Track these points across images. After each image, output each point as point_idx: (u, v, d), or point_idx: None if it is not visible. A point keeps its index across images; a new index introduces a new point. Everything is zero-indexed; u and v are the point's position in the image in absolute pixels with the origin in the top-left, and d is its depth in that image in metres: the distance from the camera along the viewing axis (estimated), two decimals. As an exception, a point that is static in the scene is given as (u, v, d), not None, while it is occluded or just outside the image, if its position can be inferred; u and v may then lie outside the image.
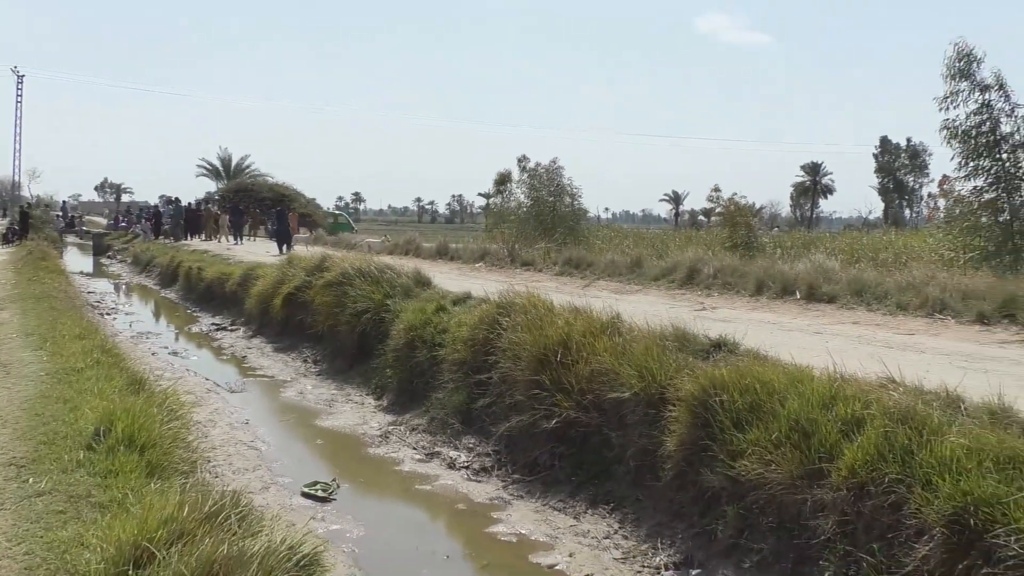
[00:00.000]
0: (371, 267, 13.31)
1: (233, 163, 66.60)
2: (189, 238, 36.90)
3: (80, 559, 3.98)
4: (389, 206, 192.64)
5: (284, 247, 27.90)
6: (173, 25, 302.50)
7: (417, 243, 28.69)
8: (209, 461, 7.77)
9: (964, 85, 15.60)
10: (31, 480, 5.13)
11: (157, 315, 21.56)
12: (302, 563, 3.86)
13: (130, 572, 3.64)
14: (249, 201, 43.86)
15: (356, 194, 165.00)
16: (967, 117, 15.65)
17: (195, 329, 18.06)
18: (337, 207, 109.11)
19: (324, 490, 7.47)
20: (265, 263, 19.78)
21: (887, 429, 5.00)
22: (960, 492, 4.35)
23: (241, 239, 36.33)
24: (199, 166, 67.87)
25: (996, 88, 15.48)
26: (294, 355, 14.01)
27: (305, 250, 20.92)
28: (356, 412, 10.42)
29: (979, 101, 15.52)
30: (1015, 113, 15.64)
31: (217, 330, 17.45)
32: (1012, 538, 4.02)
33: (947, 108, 15.80)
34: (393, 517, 7.32)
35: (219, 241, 35.63)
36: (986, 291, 10.53)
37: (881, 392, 5.56)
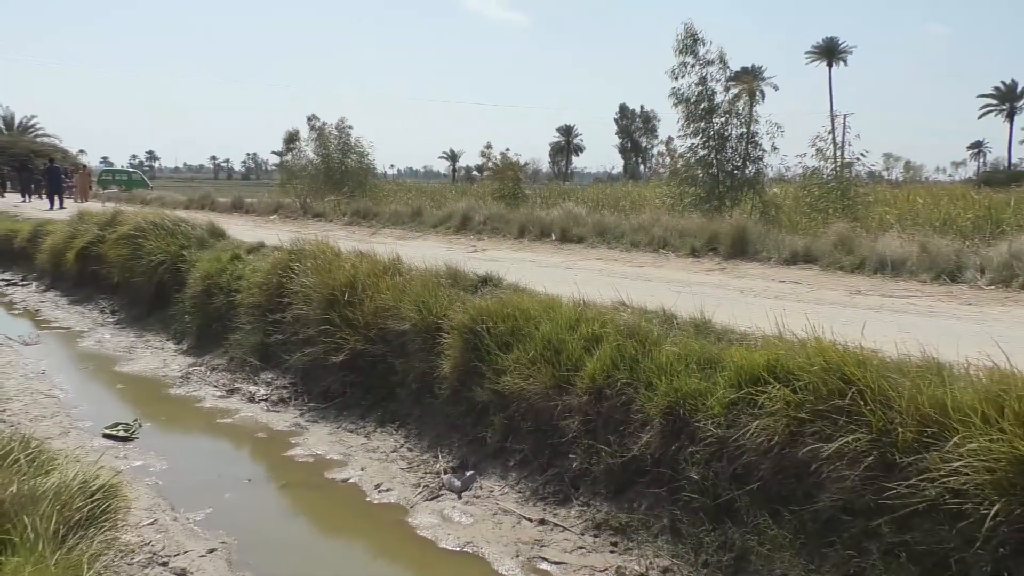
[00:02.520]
0: (166, 220, 12.39)
1: (16, 122, 58.45)
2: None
3: None
4: (185, 164, 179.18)
5: (57, 202, 26.18)
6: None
7: (212, 198, 27.11)
8: (3, 411, 7.03)
9: (690, 59, 16.55)
10: None
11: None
12: (96, 495, 3.59)
13: (-91, 522, 3.23)
14: (4, 158, 39.19)
15: (150, 152, 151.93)
16: (690, 87, 16.69)
17: (-19, 285, 15.99)
18: (131, 165, 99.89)
19: (126, 430, 6.97)
20: (55, 219, 17.82)
21: (619, 343, 5.39)
22: (673, 390, 4.81)
23: (29, 197, 32.39)
24: (-23, 124, 58.85)
25: (718, 62, 16.53)
26: (91, 306, 12.82)
27: (100, 206, 19.08)
28: (157, 356, 9.75)
29: (700, 74, 16.58)
30: (728, 87, 16.89)
31: (7, 285, 15.56)
32: (709, 421, 4.51)
33: (676, 78, 16.77)
34: (196, 449, 6.97)
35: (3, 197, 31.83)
36: (697, 230, 11.51)
37: (615, 314, 5.99)
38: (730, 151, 16.74)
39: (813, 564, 3.94)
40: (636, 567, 4.50)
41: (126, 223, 12.84)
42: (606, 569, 4.55)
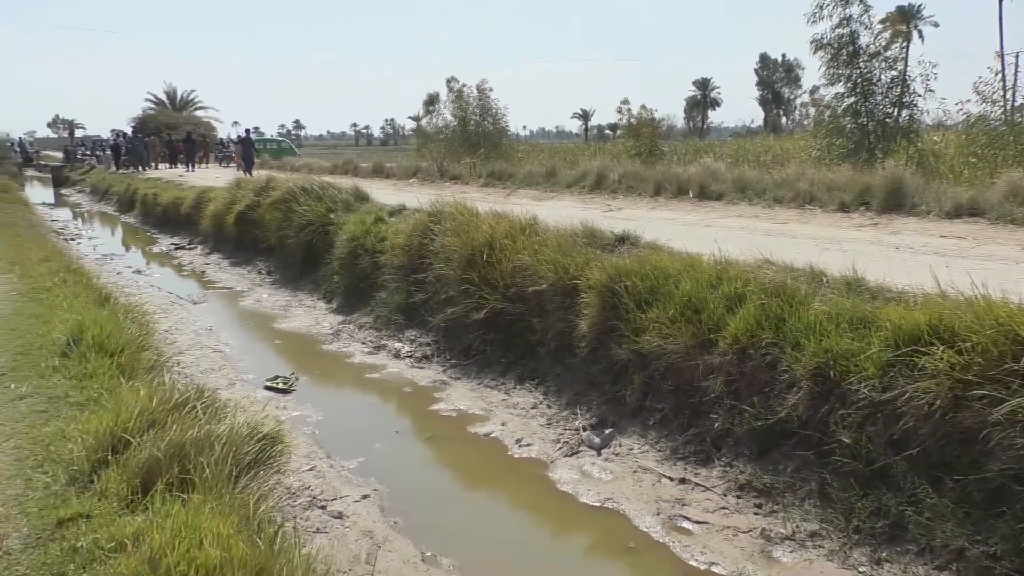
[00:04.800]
0: (314, 185, 13.01)
1: (178, 96, 62.89)
2: (152, 167, 35.41)
3: (63, 449, 3.94)
4: (328, 131, 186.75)
5: (249, 170, 27.27)
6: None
7: (355, 163, 28.11)
8: (178, 363, 7.67)
9: (828, 1, 15.59)
10: (12, 385, 5.00)
11: (119, 239, 20.72)
12: (262, 442, 3.89)
13: (109, 457, 3.62)
14: (149, 131, 42.63)
15: (296, 121, 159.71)
16: (831, 30, 15.71)
17: (155, 249, 17.47)
18: (280, 134, 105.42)
19: (284, 383, 7.47)
20: (216, 187, 19.08)
21: (763, 302, 5.21)
22: (822, 350, 4.61)
23: (192, 166, 34.88)
24: (146, 99, 63.59)
25: (858, 2, 15.46)
26: (249, 268, 13.74)
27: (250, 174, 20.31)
28: (309, 315, 10.34)
29: (840, 16, 15.56)
30: (872, 26, 15.75)
31: (176, 249, 16.94)
32: (862, 384, 4.29)
33: (814, 22, 15.83)
34: (347, 402, 7.38)
35: (157, 168, 34.51)
36: (846, 184, 10.83)
37: (758, 272, 5.77)
38: (880, 97, 15.64)
39: (979, 535, 3.70)
40: (782, 530, 4.39)
41: (278, 189, 13.58)
42: (750, 530, 4.46)
